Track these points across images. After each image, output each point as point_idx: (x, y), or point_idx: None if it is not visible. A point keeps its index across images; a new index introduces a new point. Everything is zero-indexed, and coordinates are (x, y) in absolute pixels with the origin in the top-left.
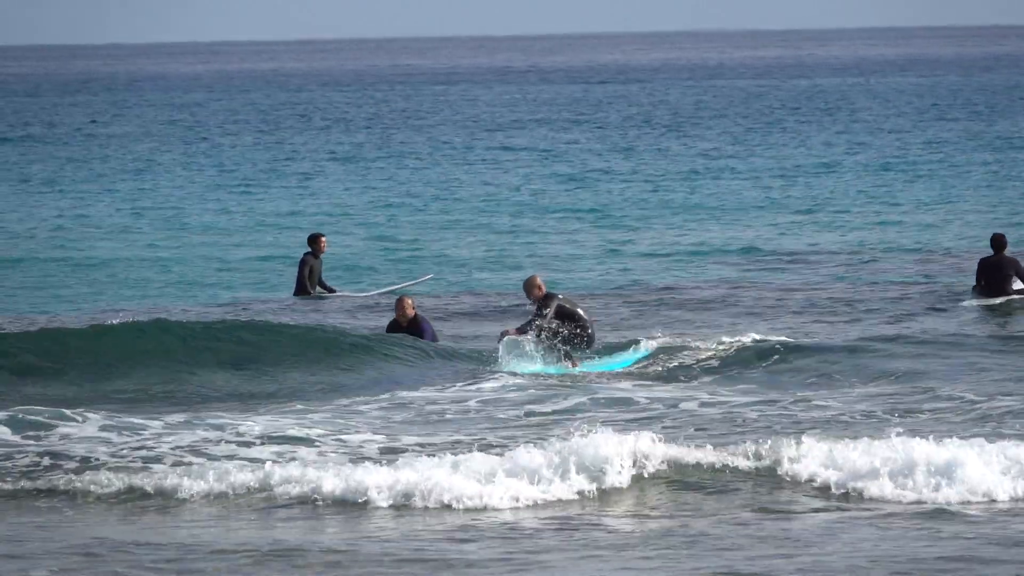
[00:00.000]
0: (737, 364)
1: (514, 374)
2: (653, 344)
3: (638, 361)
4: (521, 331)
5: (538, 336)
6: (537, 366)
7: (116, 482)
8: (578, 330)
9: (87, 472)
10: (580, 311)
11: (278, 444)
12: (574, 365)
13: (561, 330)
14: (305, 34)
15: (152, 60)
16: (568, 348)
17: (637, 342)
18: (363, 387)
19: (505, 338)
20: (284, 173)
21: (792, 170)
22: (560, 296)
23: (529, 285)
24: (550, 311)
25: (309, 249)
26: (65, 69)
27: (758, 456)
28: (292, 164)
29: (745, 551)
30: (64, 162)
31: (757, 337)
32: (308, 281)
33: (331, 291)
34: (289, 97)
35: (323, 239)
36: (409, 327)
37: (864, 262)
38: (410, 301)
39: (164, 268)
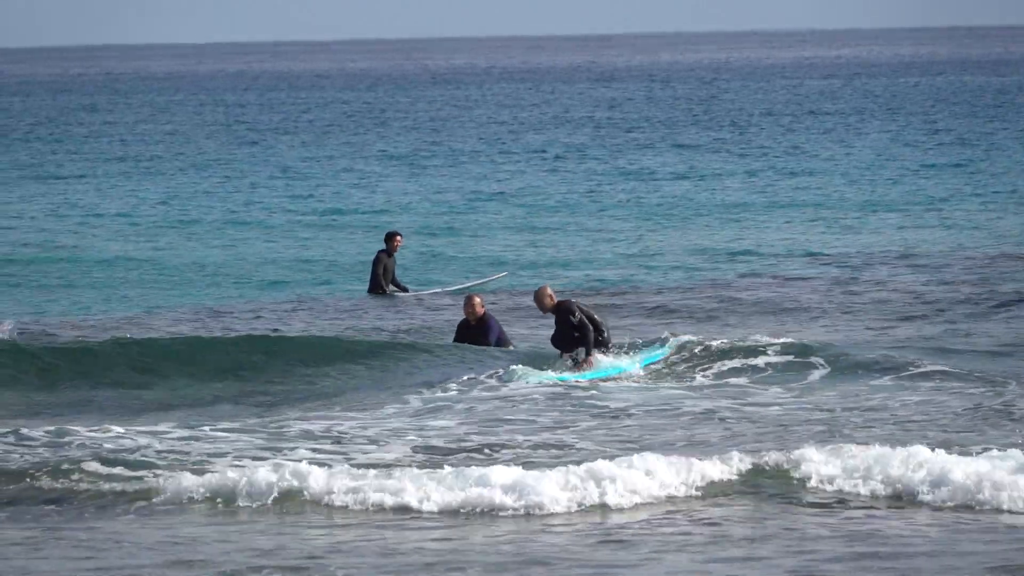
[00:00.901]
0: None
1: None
2: (671, 342)
3: (655, 361)
4: (588, 356)
5: (601, 337)
6: (548, 373)
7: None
8: (597, 335)
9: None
10: (595, 315)
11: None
12: (589, 368)
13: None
14: (348, 35)
15: (185, 61)
16: (575, 354)
17: (656, 341)
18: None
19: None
20: (354, 171)
21: (853, 170)
22: (573, 300)
23: (540, 295)
24: (580, 314)
25: (384, 247)
26: (114, 68)
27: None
28: (361, 162)
29: None
30: (124, 160)
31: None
32: (382, 279)
33: (403, 290)
34: (354, 97)
35: (398, 237)
36: (477, 326)
37: (925, 264)
38: (479, 299)
39: (239, 267)
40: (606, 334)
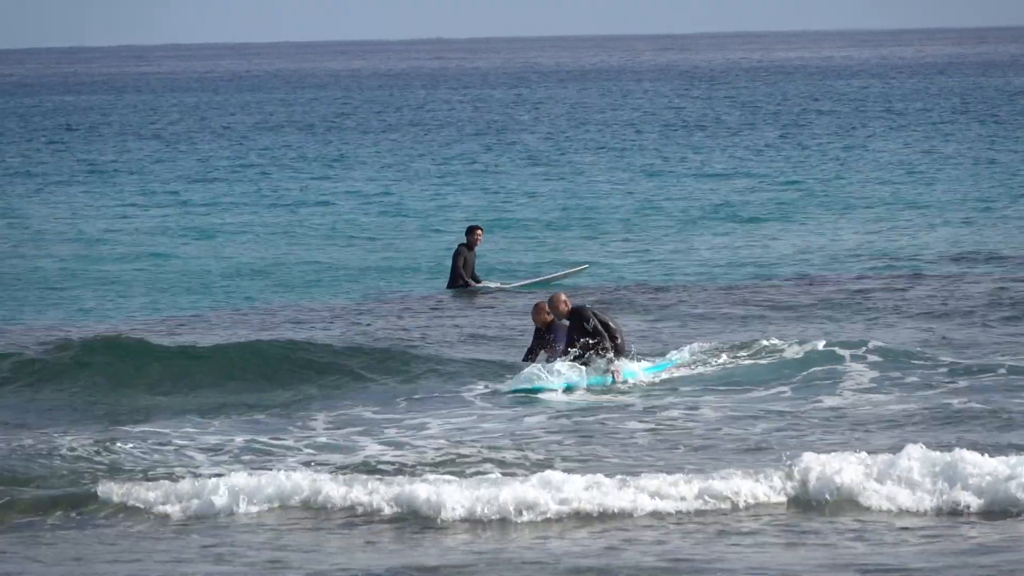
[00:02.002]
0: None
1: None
2: (685, 352)
3: (675, 366)
4: (615, 360)
5: (616, 343)
6: (562, 381)
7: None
8: (610, 341)
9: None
10: (610, 321)
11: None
12: (617, 376)
13: (593, 340)
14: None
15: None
16: (591, 360)
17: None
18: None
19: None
20: (432, 167)
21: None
22: (587, 306)
23: (554, 302)
24: (594, 320)
25: (464, 240)
26: (164, 68)
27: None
28: (444, 158)
29: None
30: (203, 158)
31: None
32: (462, 272)
33: (480, 283)
34: (428, 95)
35: (479, 231)
36: (549, 330)
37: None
38: (544, 305)
39: (327, 262)
40: (620, 340)
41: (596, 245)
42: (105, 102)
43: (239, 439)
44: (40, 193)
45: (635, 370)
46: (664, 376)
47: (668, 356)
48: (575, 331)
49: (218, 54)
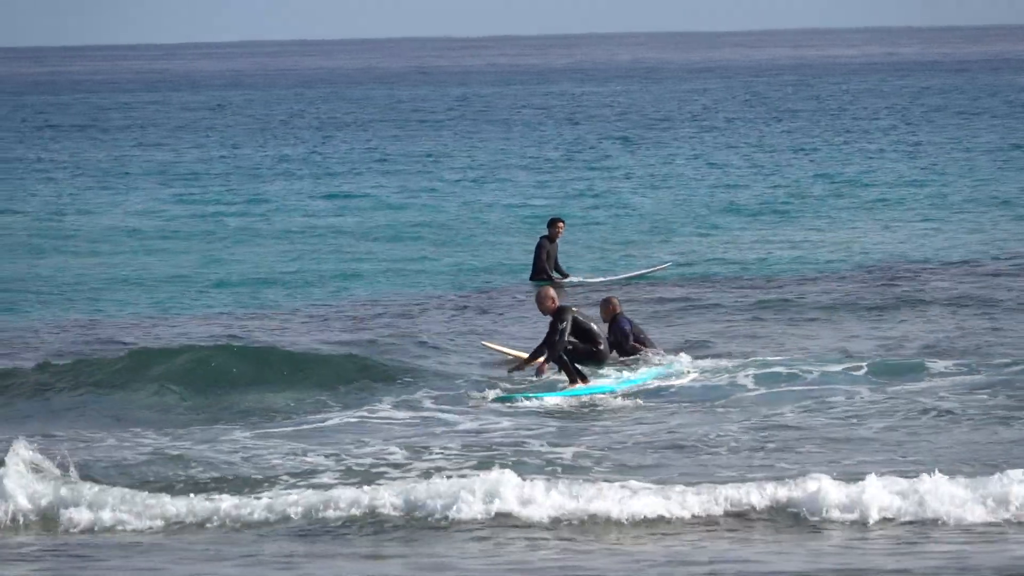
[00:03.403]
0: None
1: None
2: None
3: (648, 381)
4: (538, 357)
5: (559, 353)
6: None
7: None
8: (591, 347)
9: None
10: (594, 326)
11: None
12: (585, 383)
13: (573, 346)
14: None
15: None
16: (579, 366)
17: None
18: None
19: (527, 368)
20: (518, 161)
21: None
22: (574, 309)
23: (541, 297)
24: (567, 325)
25: (546, 233)
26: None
27: None
28: (532, 153)
29: None
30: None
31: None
32: (545, 265)
33: (565, 276)
34: (516, 92)
35: (561, 223)
36: (610, 326)
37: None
38: (615, 301)
39: (409, 258)
40: (602, 347)
41: (679, 242)
42: (182, 98)
43: (390, 447)
44: (129, 191)
45: (611, 384)
46: (636, 390)
47: (642, 372)
48: (551, 330)
49: (270, 52)
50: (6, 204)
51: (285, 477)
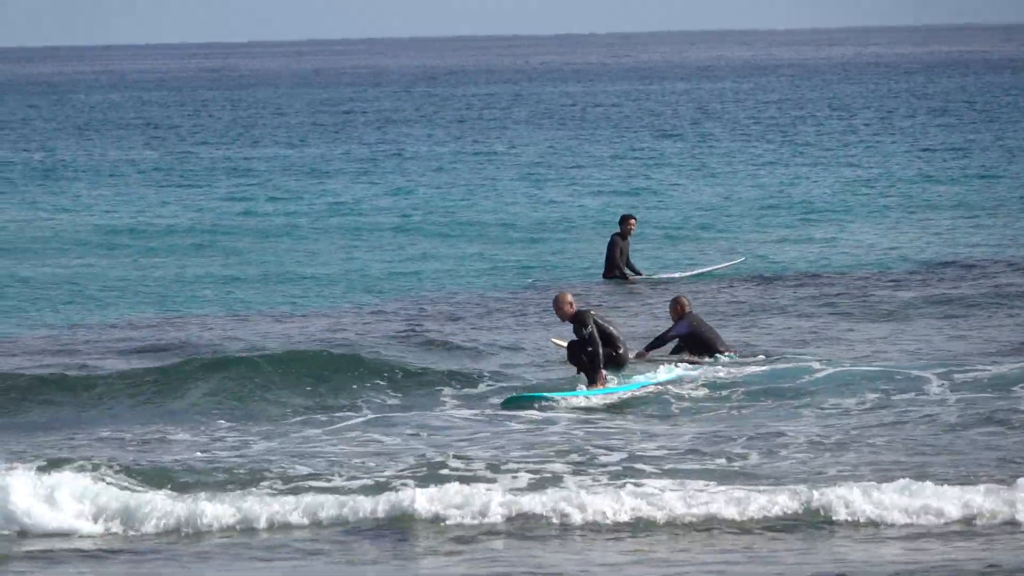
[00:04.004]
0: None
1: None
2: (678, 369)
3: (659, 384)
4: (598, 367)
5: (617, 353)
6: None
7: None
8: (611, 350)
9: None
10: (613, 329)
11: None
12: (605, 384)
13: (593, 348)
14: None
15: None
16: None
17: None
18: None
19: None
20: (587, 160)
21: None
22: (593, 312)
23: (559, 302)
24: (592, 327)
25: (618, 230)
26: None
27: None
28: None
29: None
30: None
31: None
32: (619, 261)
33: (637, 273)
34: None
35: (633, 220)
36: (674, 326)
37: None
38: (685, 300)
39: (479, 254)
40: (622, 351)
41: (752, 237)
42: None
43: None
44: (173, 187)
45: (627, 385)
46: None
47: (649, 376)
48: (576, 335)
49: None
50: (71, 203)
51: (358, 476)
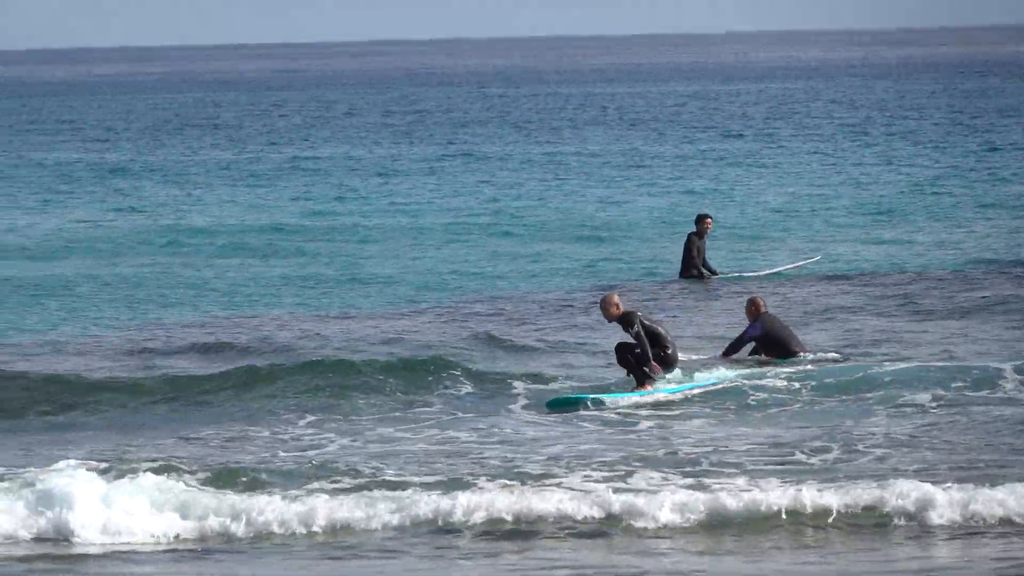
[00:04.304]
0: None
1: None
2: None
3: (711, 385)
4: (647, 363)
5: (665, 353)
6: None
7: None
8: (659, 351)
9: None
10: (661, 329)
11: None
12: (652, 385)
13: (641, 349)
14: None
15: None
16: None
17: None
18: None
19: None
20: (660, 161)
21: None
22: (640, 313)
23: (606, 304)
24: (638, 327)
25: (694, 229)
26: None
27: None
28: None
29: None
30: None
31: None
32: (695, 261)
33: (714, 273)
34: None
35: (708, 219)
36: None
37: None
38: (760, 300)
39: (556, 254)
40: (670, 351)
41: (826, 236)
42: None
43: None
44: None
45: (671, 386)
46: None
47: (702, 377)
48: (635, 340)
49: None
50: (142, 203)
51: (437, 474)
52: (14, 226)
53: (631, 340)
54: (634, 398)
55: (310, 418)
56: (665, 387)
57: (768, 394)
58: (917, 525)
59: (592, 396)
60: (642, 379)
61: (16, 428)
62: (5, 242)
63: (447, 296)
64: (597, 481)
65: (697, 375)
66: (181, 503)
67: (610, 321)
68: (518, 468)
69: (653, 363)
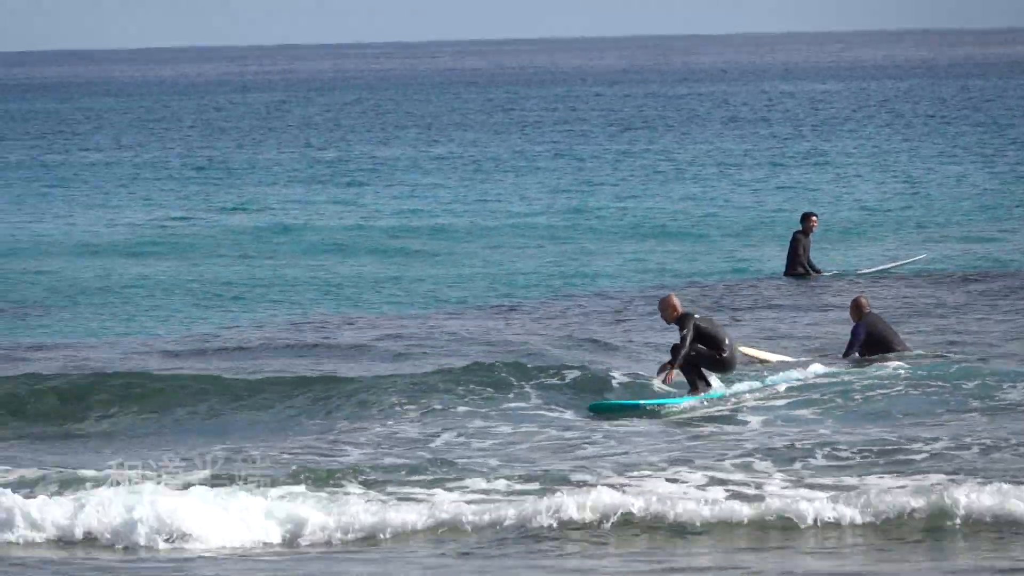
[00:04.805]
0: None
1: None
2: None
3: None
4: (674, 364)
5: (720, 356)
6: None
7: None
8: (716, 353)
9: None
10: (719, 332)
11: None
12: (707, 390)
13: (697, 352)
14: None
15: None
16: (700, 372)
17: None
18: None
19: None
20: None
21: None
22: (697, 316)
23: (664, 305)
24: (688, 332)
25: (800, 227)
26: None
27: None
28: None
29: None
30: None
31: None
32: (801, 259)
33: (818, 272)
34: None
35: (814, 218)
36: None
37: None
38: (864, 301)
39: (651, 251)
40: (727, 354)
41: (932, 234)
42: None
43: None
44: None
45: (723, 390)
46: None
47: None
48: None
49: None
50: (238, 202)
51: (537, 476)
52: (108, 222)
53: (693, 346)
54: (680, 404)
55: (412, 415)
56: (716, 391)
57: (865, 392)
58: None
59: (645, 402)
60: (695, 384)
61: (116, 429)
62: (94, 240)
63: (541, 293)
64: (696, 479)
65: (752, 380)
66: (299, 504)
67: (668, 323)
68: (633, 465)
69: (672, 372)
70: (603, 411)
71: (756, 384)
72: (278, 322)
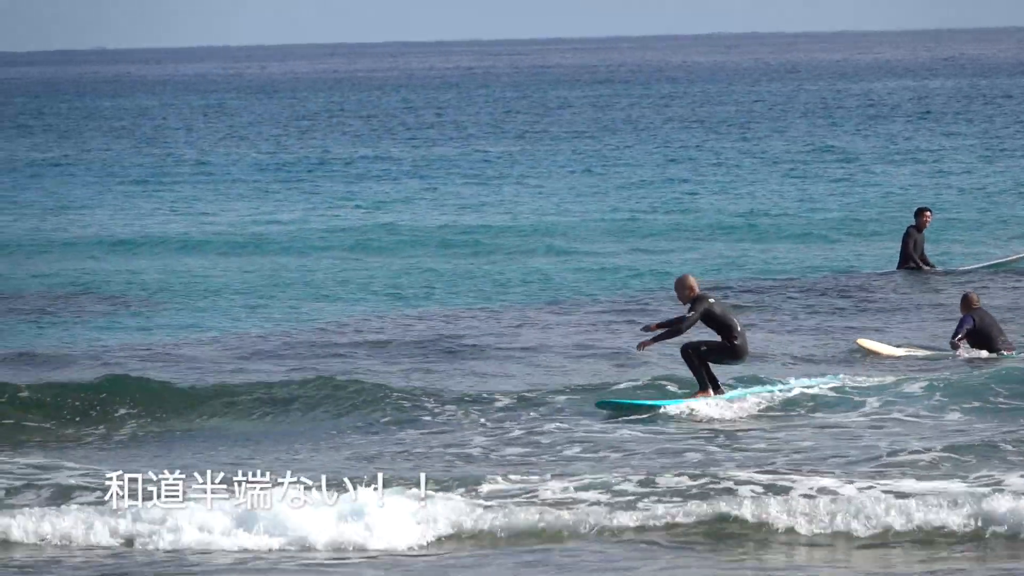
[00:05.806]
0: None
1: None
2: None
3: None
4: (660, 337)
5: (732, 343)
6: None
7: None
8: (727, 341)
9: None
10: (733, 319)
11: None
12: (715, 393)
13: (708, 347)
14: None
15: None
16: (712, 358)
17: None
18: None
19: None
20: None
21: None
22: (712, 300)
23: (680, 285)
24: (695, 314)
25: (913, 223)
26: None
27: None
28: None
29: None
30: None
31: None
32: (912, 254)
33: (931, 266)
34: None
35: (928, 213)
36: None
37: None
38: (974, 296)
39: (765, 245)
40: (738, 342)
41: None
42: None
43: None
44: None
45: (729, 394)
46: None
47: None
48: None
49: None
50: (324, 202)
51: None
52: (214, 221)
53: (701, 339)
54: (686, 404)
55: (513, 417)
56: (724, 394)
57: (953, 392)
58: None
59: (648, 403)
60: (705, 385)
61: (230, 431)
62: (194, 237)
63: (633, 291)
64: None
65: (761, 384)
66: (437, 507)
67: (684, 303)
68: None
69: (651, 343)
70: (610, 408)
71: (759, 388)
72: (366, 316)
